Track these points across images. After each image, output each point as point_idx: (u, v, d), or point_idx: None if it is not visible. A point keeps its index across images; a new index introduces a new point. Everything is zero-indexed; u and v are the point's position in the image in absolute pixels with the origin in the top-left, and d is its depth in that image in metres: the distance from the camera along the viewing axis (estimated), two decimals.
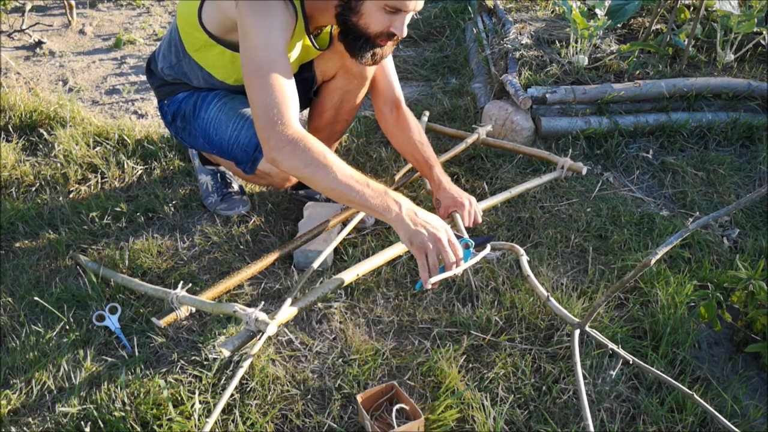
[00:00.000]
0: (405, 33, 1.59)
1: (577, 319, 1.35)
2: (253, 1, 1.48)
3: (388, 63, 1.93)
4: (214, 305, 1.42)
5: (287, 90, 1.45)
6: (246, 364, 1.31)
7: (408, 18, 1.58)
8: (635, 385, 1.53)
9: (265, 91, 1.43)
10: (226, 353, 1.27)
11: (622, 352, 1.31)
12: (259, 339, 1.32)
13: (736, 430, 1.22)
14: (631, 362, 1.32)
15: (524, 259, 1.54)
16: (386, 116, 1.94)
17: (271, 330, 1.29)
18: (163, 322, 1.52)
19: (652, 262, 1.07)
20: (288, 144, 1.39)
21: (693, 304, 1.72)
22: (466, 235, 1.64)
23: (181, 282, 1.57)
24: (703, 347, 1.66)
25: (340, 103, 1.95)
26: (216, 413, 1.26)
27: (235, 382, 1.30)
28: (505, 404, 1.46)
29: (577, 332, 1.32)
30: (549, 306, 1.39)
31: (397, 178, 2.11)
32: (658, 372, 1.30)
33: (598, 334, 1.33)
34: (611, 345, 1.32)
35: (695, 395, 1.27)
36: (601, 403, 1.48)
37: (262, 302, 1.67)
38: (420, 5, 1.56)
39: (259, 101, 1.44)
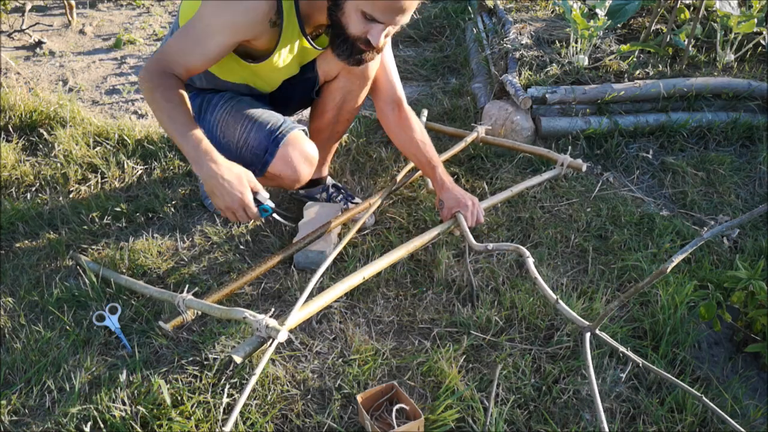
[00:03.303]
0: (381, 43, 1.59)
1: (587, 323, 1.32)
2: None
3: (389, 62, 1.92)
4: (223, 310, 1.41)
5: (197, 57, 1.59)
6: (258, 371, 1.26)
7: (389, 30, 1.58)
8: (635, 385, 1.54)
9: (180, 42, 1.60)
10: (238, 360, 1.27)
11: (631, 354, 1.29)
12: (270, 345, 1.31)
13: (743, 430, 1.21)
14: (640, 365, 1.31)
15: (530, 261, 1.48)
16: (388, 116, 1.94)
17: (282, 336, 1.29)
18: (169, 326, 1.51)
19: (668, 269, 1.07)
20: (152, 81, 1.57)
21: (693, 304, 1.72)
22: (470, 237, 1.69)
23: (187, 286, 1.57)
24: (703, 347, 1.66)
25: (342, 103, 1.95)
26: (233, 418, 1.23)
27: (249, 389, 1.29)
28: (505, 404, 1.46)
29: (588, 335, 1.29)
30: (558, 309, 1.35)
31: (398, 178, 2.11)
32: (669, 375, 1.29)
33: (609, 337, 1.31)
34: (621, 348, 1.29)
35: (704, 397, 1.27)
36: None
37: (273, 309, 1.66)
38: (401, 20, 1.54)
39: (171, 41, 1.61)
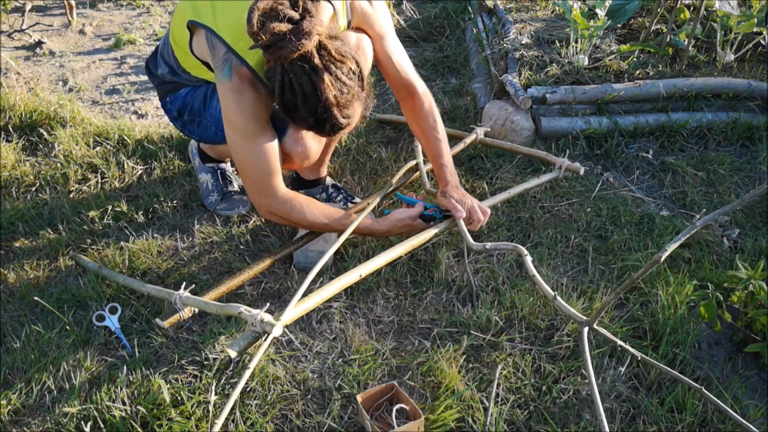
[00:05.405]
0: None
1: (585, 317, 1.33)
2: (229, 93, 1.58)
3: (394, 51, 1.84)
4: (219, 306, 1.42)
5: (269, 160, 1.65)
6: (253, 365, 1.27)
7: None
8: (635, 385, 1.54)
9: (249, 165, 1.67)
10: (233, 354, 1.27)
11: (629, 347, 1.30)
12: (265, 340, 1.31)
13: (749, 425, 1.22)
14: (639, 358, 1.31)
15: (528, 259, 1.50)
16: (403, 103, 1.91)
17: (277, 331, 1.29)
18: (166, 323, 1.51)
19: (662, 258, 1.08)
20: (278, 210, 1.72)
21: (693, 304, 1.72)
22: (468, 237, 1.68)
23: (184, 283, 1.57)
24: (703, 347, 1.66)
25: None
26: (223, 416, 1.24)
27: (241, 385, 1.29)
28: (505, 404, 1.46)
29: (586, 330, 1.30)
30: (556, 305, 1.36)
31: (395, 179, 2.10)
32: (669, 369, 1.29)
33: (606, 331, 1.32)
34: (619, 342, 1.30)
35: (703, 389, 1.27)
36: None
37: (268, 304, 1.66)
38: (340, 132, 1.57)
39: (245, 170, 1.69)
